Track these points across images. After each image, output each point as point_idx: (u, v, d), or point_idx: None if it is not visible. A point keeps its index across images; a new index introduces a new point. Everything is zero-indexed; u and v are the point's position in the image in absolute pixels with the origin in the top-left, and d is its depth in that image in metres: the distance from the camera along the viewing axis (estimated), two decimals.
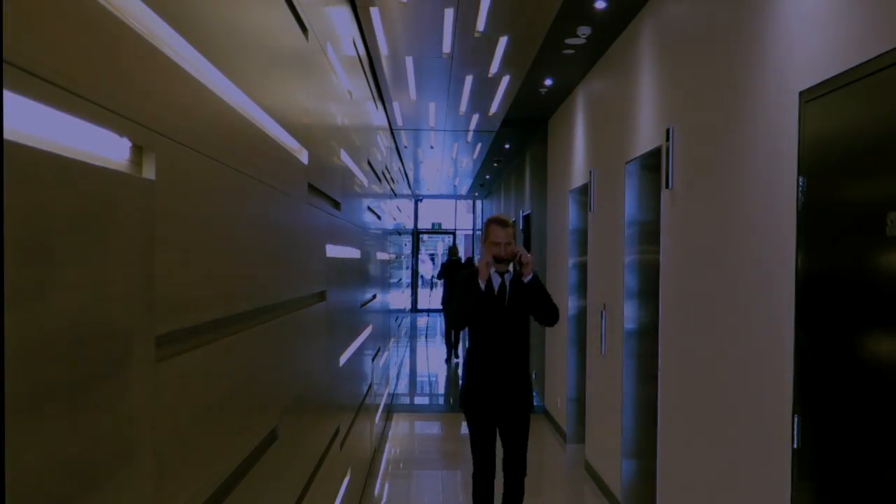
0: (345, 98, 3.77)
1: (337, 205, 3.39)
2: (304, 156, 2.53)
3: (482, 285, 3.71)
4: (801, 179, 2.43)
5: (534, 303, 3.80)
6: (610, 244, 5.06)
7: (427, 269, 21.53)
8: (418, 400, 9.11)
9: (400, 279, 12.18)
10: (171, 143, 1.27)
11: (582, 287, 6.15)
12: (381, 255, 6.60)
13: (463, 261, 14.03)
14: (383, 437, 6.66)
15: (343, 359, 3.72)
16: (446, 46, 5.60)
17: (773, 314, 2.62)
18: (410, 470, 5.92)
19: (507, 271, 3.82)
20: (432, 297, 20.08)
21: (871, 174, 2.07)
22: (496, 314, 3.77)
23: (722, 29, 3.17)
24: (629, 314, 4.60)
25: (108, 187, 1.04)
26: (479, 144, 10.36)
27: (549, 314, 3.86)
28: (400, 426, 7.36)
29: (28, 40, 0.84)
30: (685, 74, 3.66)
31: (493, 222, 3.83)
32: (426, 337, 15.25)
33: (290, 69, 2.34)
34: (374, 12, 4.80)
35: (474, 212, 20.61)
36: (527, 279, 3.75)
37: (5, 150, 0.77)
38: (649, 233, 4.39)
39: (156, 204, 1.19)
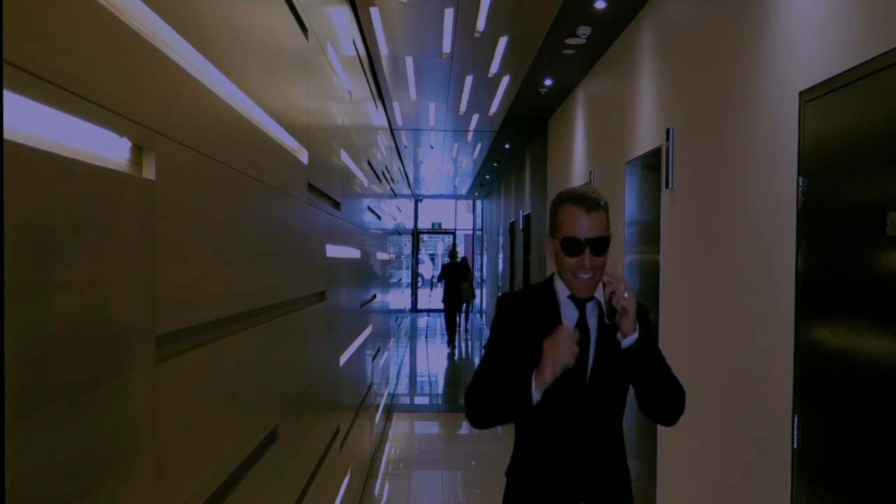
0: (345, 98, 3.77)
1: (337, 205, 3.39)
2: (304, 156, 2.53)
3: (536, 392, 1.79)
4: (801, 179, 2.43)
5: (641, 380, 1.87)
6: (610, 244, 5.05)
7: (427, 270, 21.53)
8: (418, 400, 9.11)
9: (400, 279, 12.19)
10: (171, 143, 1.27)
11: None
12: (381, 255, 6.59)
13: (460, 258, 14.05)
14: (383, 436, 6.66)
15: (343, 359, 3.72)
16: (446, 46, 5.60)
17: (774, 314, 2.62)
18: (410, 470, 5.92)
19: (592, 297, 1.89)
20: (432, 297, 20.10)
21: (871, 174, 2.07)
22: (569, 396, 1.86)
23: (722, 29, 3.17)
24: None
25: (108, 187, 1.04)
26: (479, 144, 10.36)
27: (669, 402, 1.90)
28: (400, 426, 7.36)
29: (28, 40, 0.84)
30: (685, 74, 3.66)
31: (568, 200, 1.84)
32: (426, 337, 15.25)
33: (290, 69, 2.34)
34: (374, 12, 4.80)
35: (474, 212, 20.61)
36: (628, 341, 1.83)
37: (5, 150, 0.78)
38: (649, 233, 4.39)
39: (156, 204, 1.19)
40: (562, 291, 1.88)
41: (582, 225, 1.80)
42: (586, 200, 1.82)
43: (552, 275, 1.93)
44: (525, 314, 1.89)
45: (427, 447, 6.86)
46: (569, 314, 1.89)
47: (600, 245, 1.82)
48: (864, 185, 2.11)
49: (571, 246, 1.80)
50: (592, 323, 1.89)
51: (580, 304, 1.87)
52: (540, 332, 1.81)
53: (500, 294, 1.64)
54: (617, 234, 4.84)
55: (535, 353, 1.79)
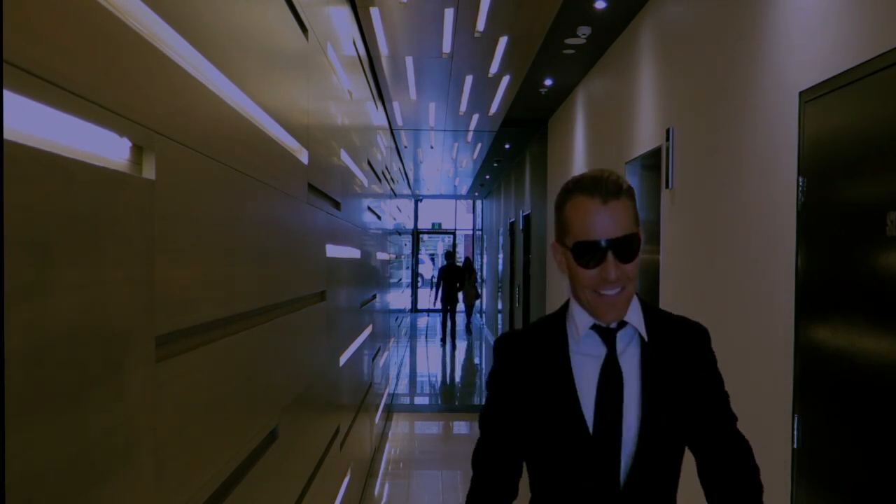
0: (345, 98, 3.77)
1: (337, 205, 3.39)
2: (304, 156, 2.53)
3: None
4: (801, 179, 2.43)
5: None
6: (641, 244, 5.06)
7: (427, 270, 21.51)
8: (418, 400, 9.11)
9: (400, 279, 12.19)
10: (171, 143, 1.27)
11: None
12: (381, 255, 6.59)
13: (462, 260, 14.11)
14: (383, 436, 6.66)
15: (343, 358, 3.71)
16: (446, 46, 5.60)
17: (773, 314, 2.62)
18: (410, 470, 5.92)
19: (624, 323, 1.33)
20: (432, 298, 20.11)
21: (871, 174, 2.07)
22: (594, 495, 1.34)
23: (722, 29, 3.17)
24: None
25: (108, 187, 1.03)
26: (479, 144, 10.36)
27: None
28: (400, 426, 7.36)
29: (28, 40, 0.84)
30: (685, 74, 3.66)
31: (577, 190, 1.28)
32: (426, 337, 15.26)
33: (290, 69, 2.34)
34: (374, 12, 4.80)
35: (474, 212, 20.61)
36: None
37: (5, 150, 0.77)
38: (649, 233, 4.39)
39: (156, 204, 1.19)
40: (581, 321, 1.33)
41: (599, 222, 1.26)
42: (602, 187, 1.26)
43: (567, 302, 1.40)
44: (527, 365, 1.36)
45: (427, 447, 6.85)
46: (591, 351, 1.33)
47: (627, 247, 1.27)
48: (864, 186, 2.11)
49: (587, 253, 1.27)
50: (630, 364, 1.32)
51: (608, 335, 1.32)
52: (542, 392, 1.33)
53: (495, 339, 1.25)
54: None
55: (536, 421, 1.34)
